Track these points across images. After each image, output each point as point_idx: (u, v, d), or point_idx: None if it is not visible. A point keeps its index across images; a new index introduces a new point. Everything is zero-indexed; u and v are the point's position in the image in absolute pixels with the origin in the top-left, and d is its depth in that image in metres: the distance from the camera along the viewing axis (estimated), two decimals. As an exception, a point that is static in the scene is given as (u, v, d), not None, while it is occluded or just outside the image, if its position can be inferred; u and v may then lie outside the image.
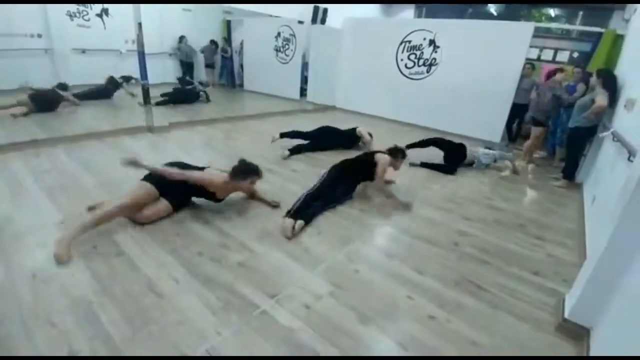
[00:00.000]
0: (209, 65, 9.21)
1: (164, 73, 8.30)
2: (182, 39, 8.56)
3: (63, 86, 5.73)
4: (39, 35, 6.66)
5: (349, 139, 4.68)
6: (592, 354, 1.54)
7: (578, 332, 1.68)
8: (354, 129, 4.69)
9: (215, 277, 1.93)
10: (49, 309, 1.63)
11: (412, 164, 4.23)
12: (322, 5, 6.72)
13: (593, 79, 3.80)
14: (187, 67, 8.81)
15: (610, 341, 1.45)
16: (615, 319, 1.48)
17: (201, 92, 7.05)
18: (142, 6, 4.32)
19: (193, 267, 2.00)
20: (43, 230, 2.25)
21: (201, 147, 4.40)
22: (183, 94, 6.89)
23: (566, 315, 1.75)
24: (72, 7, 7.02)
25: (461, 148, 4.35)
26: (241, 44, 9.21)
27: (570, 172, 4.14)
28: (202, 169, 2.64)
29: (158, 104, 6.11)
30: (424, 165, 4.25)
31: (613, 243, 1.55)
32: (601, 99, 3.53)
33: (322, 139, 4.52)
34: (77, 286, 1.78)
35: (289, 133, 4.46)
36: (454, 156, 4.32)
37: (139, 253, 2.09)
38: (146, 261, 2.02)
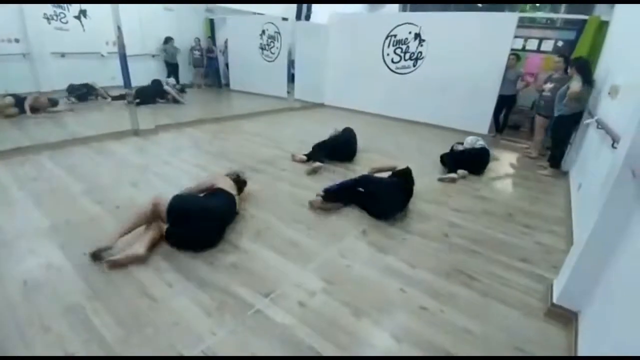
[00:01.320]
0: (197, 65, 9.16)
1: (147, 75, 8.18)
2: (168, 40, 8.42)
3: (54, 102, 5.60)
4: (17, 40, 6.50)
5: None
6: (580, 336, 1.58)
7: (566, 316, 1.73)
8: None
9: (208, 279, 1.93)
10: (42, 314, 1.62)
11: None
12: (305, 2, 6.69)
13: (570, 69, 3.99)
14: (172, 68, 8.68)
15: (597, 324, 1.49)
16: (602, 302, 1.53)
17: (167, 89, 6.98)
18: (121, 7, 4.23)
19: (186, 270, 1.99)
20: (32, 237, 2.21)
21: (189, 149, 4.35)
22: (148, 91, 6.83)
23: (554, 300, 1.79)
24: (49, 10, 6.85)
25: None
26: (225, 42, 9.13)
27: (556, 160, 4.22)
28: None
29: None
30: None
31: (597, 229, 1.59)
32: (575, 84, 3.75)
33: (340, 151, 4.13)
34: (69, 292, 1.77)
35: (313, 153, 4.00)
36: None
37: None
38: (139, 266, 2.00)
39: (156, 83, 7.09)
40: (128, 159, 3.78)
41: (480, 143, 4.18)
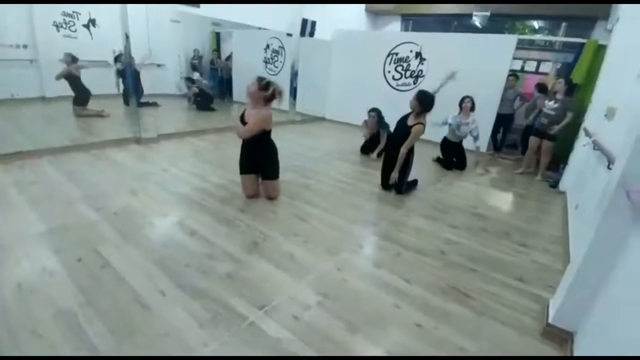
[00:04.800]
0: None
1: (152, 84, 8.29)
2: (229, 57, 9.11)
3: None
4: (25, 46, 6.60)
5: None
6: (576, 356, 1.56)
7: (562, 337, 1.72)
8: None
9: (202, 289, 1.92)
10: (34, 319, 1.60)
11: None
12: (310, 18, 6.83)
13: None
14: (228, 82, 9.37)
15: (592, 344, 1.48)
16: (597, 323, 1.52)
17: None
18: (130, 17, 4.32)
19: (180, 279, 1.98)
20: (28, 241, 2.21)
21: (189, 158, 4.38)
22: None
23: (550, 320, 1.78)
24: (59, 18, 6.98)
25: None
26: (229, 55, 9.31)
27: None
28: None
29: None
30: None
31: (592, 249, 1.60)
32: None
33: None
34: (62, 297, 1.75)
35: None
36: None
37: (125, 265, 2.06)
38: (132, 273, 1.99)
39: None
40: (128, 167, 3.80)
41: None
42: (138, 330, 1.59)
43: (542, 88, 5.22)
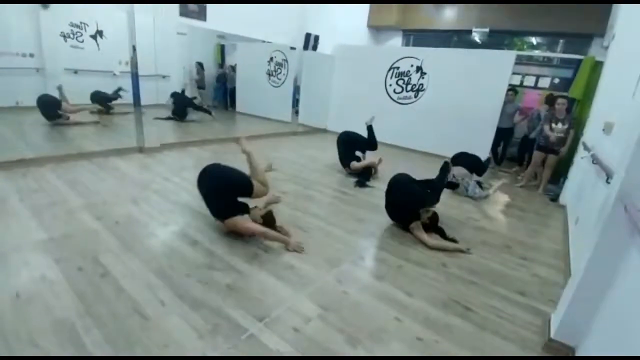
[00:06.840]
0: (200, 87, 9.42)
1: (157, 95, 8.37)
2: (234, 68, 9.37)
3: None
4: (31, 55, 6.71)
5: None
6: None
7: (563, 351, 1.70)
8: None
9: (202, 299, 1.91)
10: (32, 329, 1.59)
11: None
12: (313, 33, 6.96)
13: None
14: (232, 91, 9.67)
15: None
16: (599, 337, 1.51)
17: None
18: (136, 28, 4.41)
19: (180, 289, 1.97)
20: (28, 249, 2.21)
21: (190, 168, 4.39)
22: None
23: (552, 335, 1.77)
24: (67, 28, 7.12)
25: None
26: (234, 67, 9.44)
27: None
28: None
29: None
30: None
31: (592, 263, 1.60)
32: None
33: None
34: (61, 307, 1.75)
35: None
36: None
37: (125, 274, 2.06)
38: (132, 282, 1.99)
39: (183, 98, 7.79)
40: (131, 176, 3.82)
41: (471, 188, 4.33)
42: (137, 341, 1.58)
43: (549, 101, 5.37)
